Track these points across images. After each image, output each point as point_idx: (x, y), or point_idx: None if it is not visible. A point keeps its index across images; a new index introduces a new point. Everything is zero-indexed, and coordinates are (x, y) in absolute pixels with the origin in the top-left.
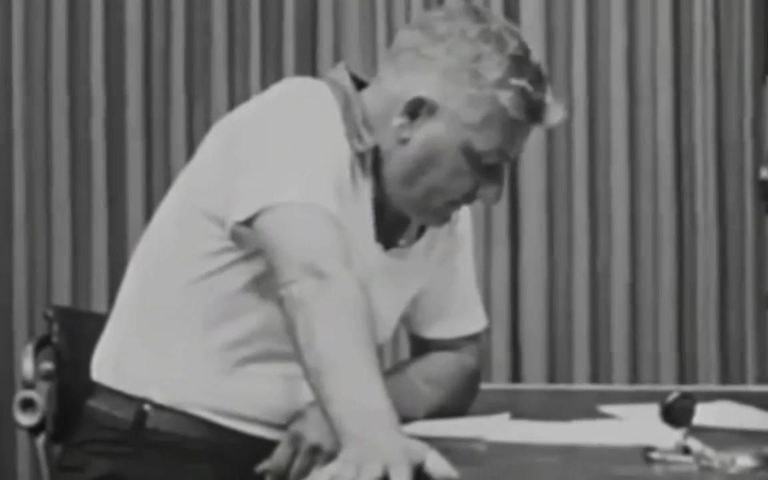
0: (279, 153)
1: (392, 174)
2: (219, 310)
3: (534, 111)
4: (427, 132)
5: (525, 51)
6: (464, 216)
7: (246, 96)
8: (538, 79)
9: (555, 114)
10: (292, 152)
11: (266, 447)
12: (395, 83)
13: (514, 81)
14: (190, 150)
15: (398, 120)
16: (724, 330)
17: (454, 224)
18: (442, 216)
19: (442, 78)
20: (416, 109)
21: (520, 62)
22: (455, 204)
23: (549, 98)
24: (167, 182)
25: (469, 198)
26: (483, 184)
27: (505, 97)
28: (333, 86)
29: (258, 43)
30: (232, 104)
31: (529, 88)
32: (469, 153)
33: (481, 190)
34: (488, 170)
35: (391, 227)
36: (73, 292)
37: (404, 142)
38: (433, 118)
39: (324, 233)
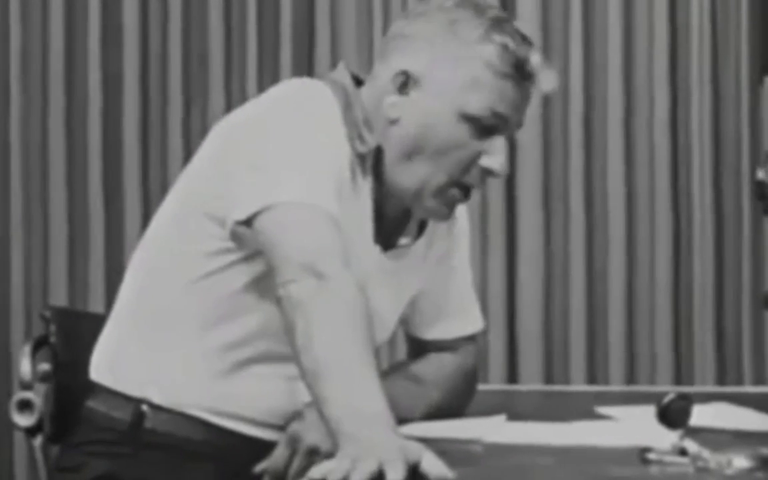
0: (279, 153)
1: (390, 160)
2: (218, 311)
3: (520, 66)
4: (417, 105)
5: (505, 16)
6: (462, 215)
7: (243, 98)
8: (522, 38)
9: (548, 79)
10: (291, 152)
11: (264, 447)
12: (384, 71)
13: (497, 37)
14: (187, 152)
15: (389, 99)
16: (721, 331)
17: (452, 224)
18: (446, 203)
19: (424, 48)
20: (403, 84)
21: (501, 22)
22: (457, 186)
23: (536, 57)
24: (164, 184)
25: (472, 172)
26: (483, 153)
27: (488, 52)
28: (333, 86)
29: (255, 46)
30: (229, 106)
31: (512, 43)
32: (464, 116)
33: (482, 159)
34: (486, 133)
35: (390, 229)
36: (70, 293)
37: (395, 121)
38: (421, 89)
39: (323, 233)
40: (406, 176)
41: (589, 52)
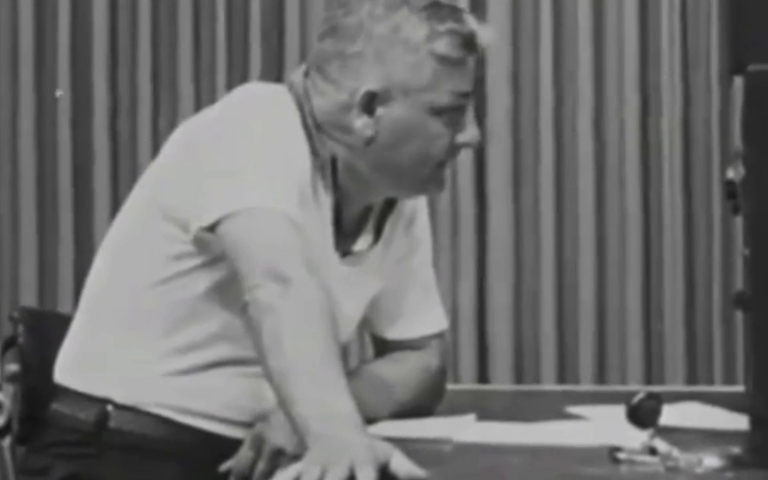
0: (241, 159)
1: (374, 170)
2: (179, 314)
3: (468, 43)
4: (389, 119)
5: None
6: (421, 218)
7: (212, 99)
8: (458, 15)
9: (486, 35)
10: (254, 159)
11: (229, 445)
12: (338, 93)
13: (440, 27)
14: (156, 152)
15: (359, 121)
16: (692, 331)
17: (410, 225)
18: (437, 181)
19: (378, 64)
20: (370, 104)
21: (436, 8)
22: (442, 164)
23: (475, 25)
24: (133, 184)
25: (452, 152)
26: (458, 132)
27: (438, 46)
28: (294, 93)
29: (224, 46)
30: (198, 106)
31: (456, 26)
32: (435, 111)
33: (459, 138)
34: (458, 115)
35: (348, 235)
36: (40, 293)
37: (371, 140)
38: (389, 104)
39: (286, 238)
40: (396, 181)
41: (559, 53)
